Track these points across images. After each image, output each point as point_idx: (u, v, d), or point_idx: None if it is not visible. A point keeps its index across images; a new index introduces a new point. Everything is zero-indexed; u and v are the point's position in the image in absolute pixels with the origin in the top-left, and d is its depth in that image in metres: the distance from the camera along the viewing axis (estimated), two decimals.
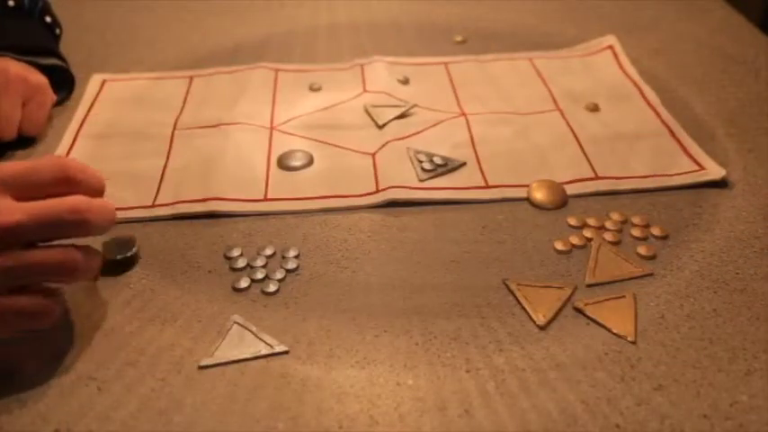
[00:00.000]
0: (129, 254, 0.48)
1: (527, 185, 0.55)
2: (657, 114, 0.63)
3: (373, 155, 0.59)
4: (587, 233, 0.50)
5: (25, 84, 0.58)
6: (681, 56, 0.74)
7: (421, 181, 0.55)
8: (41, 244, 0.38)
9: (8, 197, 0.37)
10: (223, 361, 0.41)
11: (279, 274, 0.47)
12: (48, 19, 0.68)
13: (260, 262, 0.48)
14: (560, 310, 0.44)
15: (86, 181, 0.39)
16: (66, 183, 0.38)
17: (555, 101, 0.66)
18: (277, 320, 0.44)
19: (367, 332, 0.43)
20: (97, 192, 0.40)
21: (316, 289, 0.46)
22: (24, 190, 0.37)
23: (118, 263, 0.47)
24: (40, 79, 0.60)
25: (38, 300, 0.38)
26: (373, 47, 0.76)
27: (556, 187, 0.54)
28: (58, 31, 0.70)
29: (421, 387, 0.39)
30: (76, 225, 0.38)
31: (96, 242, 0.49)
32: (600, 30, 0.77)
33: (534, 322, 0.43)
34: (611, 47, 0.74)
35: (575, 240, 0.49)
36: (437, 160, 0.57)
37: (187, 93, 0.68)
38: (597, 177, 0.56)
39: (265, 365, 0.41)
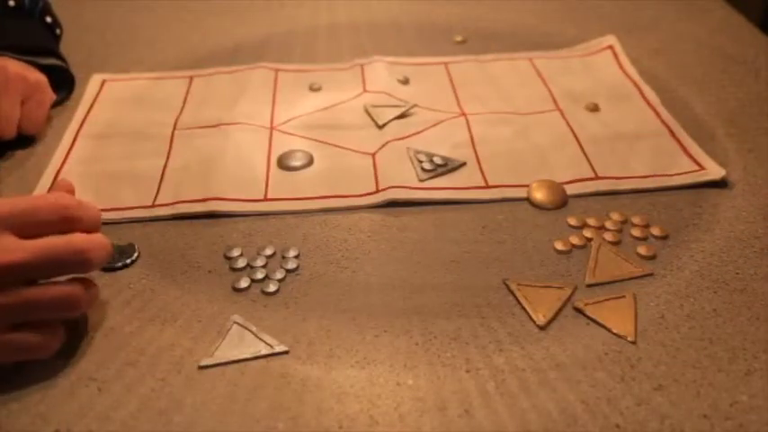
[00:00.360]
0: (128, 261, 0.48)
1: (527, 185, 0.55)
2: (657, 114, 0.63)
3: (373, 155, 0.59)
4: (587, 233, 0.50)
5: (24, 82, 0.58)
6: (681, 56, 0.74)
7: (421, 181, 0.55)
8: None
9: (9, 235, 0.37)
10: (223, 361, 0.41)
11: (279, 274, 0.47)
12: (48, 19, 0.68)
13: (260, 262, 0.48)
14: (560, 310, 0.44)
15: (85, 218, 0.40)
16: (67, 222, 0.39)
17: (555, 101, 0.66)
18: (277, 320, 0.44)
19: (367, 332, 0.43)
20: (95, 227, 0.40)
21: (316, 289, 0.46)
22: (25, 228, 0.38)
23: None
24: (38, 78, 0.60)
25: (36, 336, 0.38)
26: (373, 47, 0.76)
27: (556, 187, 0.54)
28: (58, 31, 0.70)
29: (421, 387, 0.39)
30: (78, 264, 0.38)
31: None
32: (600, 30, 0.77)
33: (534, 322, 0.43)
34: (611, 47, 0.74)
35: (575, 240, 0.49)
36: (437, 160, 0.57)
37: (187, 93, 0.68)
38: (597, 177, 0.56)
39: (265, 365, 0.41)
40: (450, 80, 0.70)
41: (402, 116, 0.63)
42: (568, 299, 0.45)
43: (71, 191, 0.43)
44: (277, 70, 0.71)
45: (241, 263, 0.48)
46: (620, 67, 0.71)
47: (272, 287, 0.46)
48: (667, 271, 0.47)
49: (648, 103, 0.65)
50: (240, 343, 0.42)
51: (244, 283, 0.46)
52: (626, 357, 0.41)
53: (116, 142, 0.61)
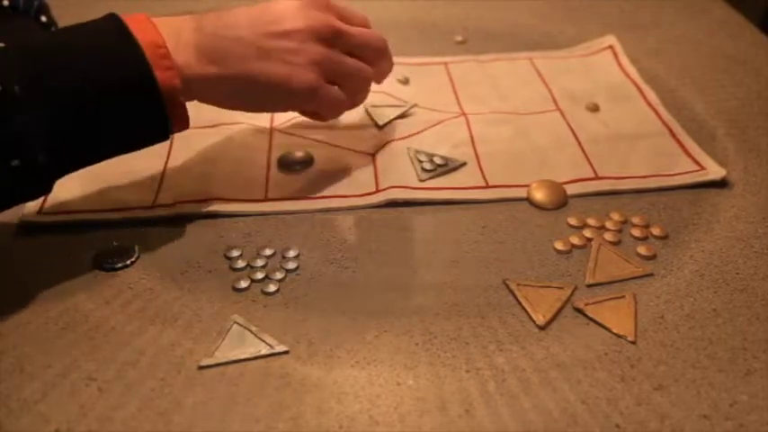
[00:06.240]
0: (128, 261, 0.48)
1: (527, 185, 0.55)
2: (657, 114, 0.63)
3: (373, 155, 0.59)
4: (587, 233, 0.50)
5: None
6: (681, 56, 0.74)
7: (421, 181, 0.55)
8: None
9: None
10: (223, 361, 0.41)
11: (279, 274, 0.47)
12: (43, 18, 0.68)
13: (260, 262, 0.48)
14: (560, 310, 0.44)
15: None
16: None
17: (555, 101, 0.66)
18: (277, 320, 0.44)
19: (367, 332, 0.43)
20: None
21: (316, 289, 0.46)
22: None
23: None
24: None
25: (341, 94, 0.52)
26: None
27: (556, 187, 0.54)
28: (53, 30, 0.70)
29: (421, 387, 0.39)
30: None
31: (93, 249, 0.49)
32: (600, 30, 0.77)
33: (534, 322, 0.43)
34: (611, 47, 0.74)
35: (575, 240, 0.49)
36: (437, 160, 0.57)
37: None
38: (597, 177, 0.56)
39: (265, 365, 0.41)
40: (451, 80, 0.70)
41: (402, 116, 0.63)
42: (568, 299, 0.45)
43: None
44: None
45: (241, 263, 0.48)
46: (621, 67, 0.71)
47: (272, 287, 0.46)
48: (667, 271, 0.47)
49: (648, 103, 0.65)
50: (240, 343, 0.42)
51: (244, 283, 0.46)
52: (626, 357, 0.41)
53: None
